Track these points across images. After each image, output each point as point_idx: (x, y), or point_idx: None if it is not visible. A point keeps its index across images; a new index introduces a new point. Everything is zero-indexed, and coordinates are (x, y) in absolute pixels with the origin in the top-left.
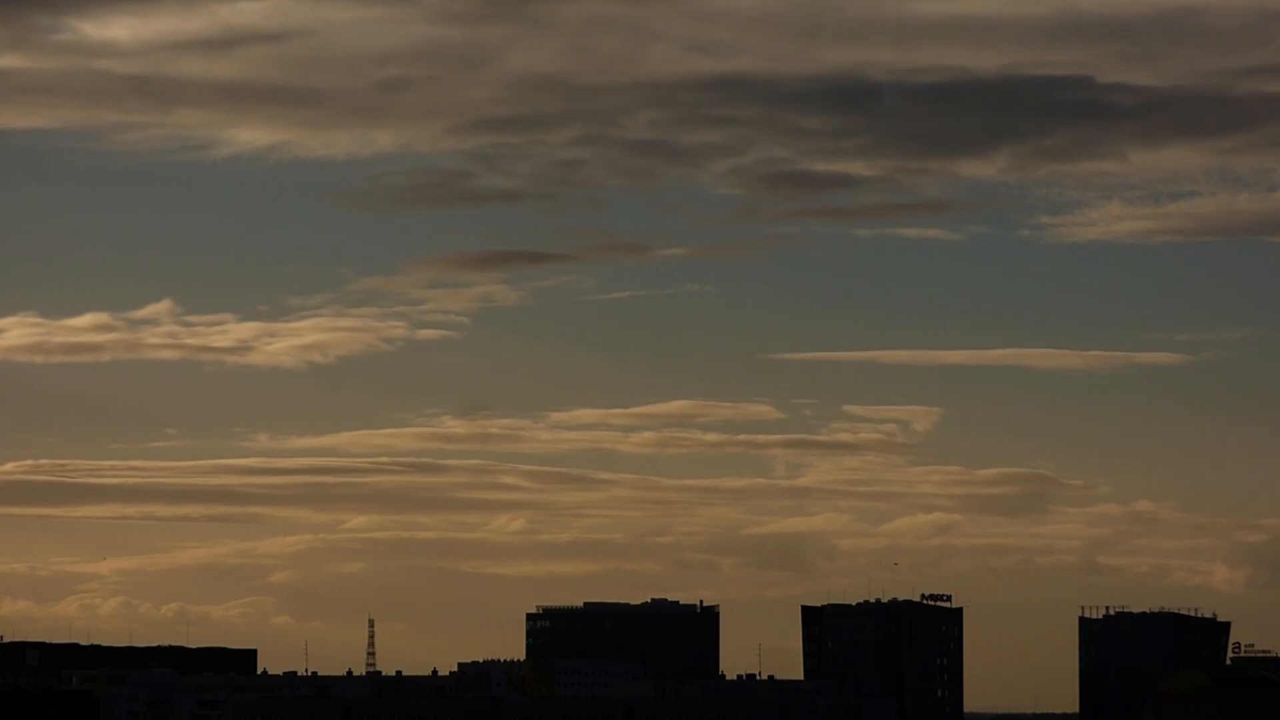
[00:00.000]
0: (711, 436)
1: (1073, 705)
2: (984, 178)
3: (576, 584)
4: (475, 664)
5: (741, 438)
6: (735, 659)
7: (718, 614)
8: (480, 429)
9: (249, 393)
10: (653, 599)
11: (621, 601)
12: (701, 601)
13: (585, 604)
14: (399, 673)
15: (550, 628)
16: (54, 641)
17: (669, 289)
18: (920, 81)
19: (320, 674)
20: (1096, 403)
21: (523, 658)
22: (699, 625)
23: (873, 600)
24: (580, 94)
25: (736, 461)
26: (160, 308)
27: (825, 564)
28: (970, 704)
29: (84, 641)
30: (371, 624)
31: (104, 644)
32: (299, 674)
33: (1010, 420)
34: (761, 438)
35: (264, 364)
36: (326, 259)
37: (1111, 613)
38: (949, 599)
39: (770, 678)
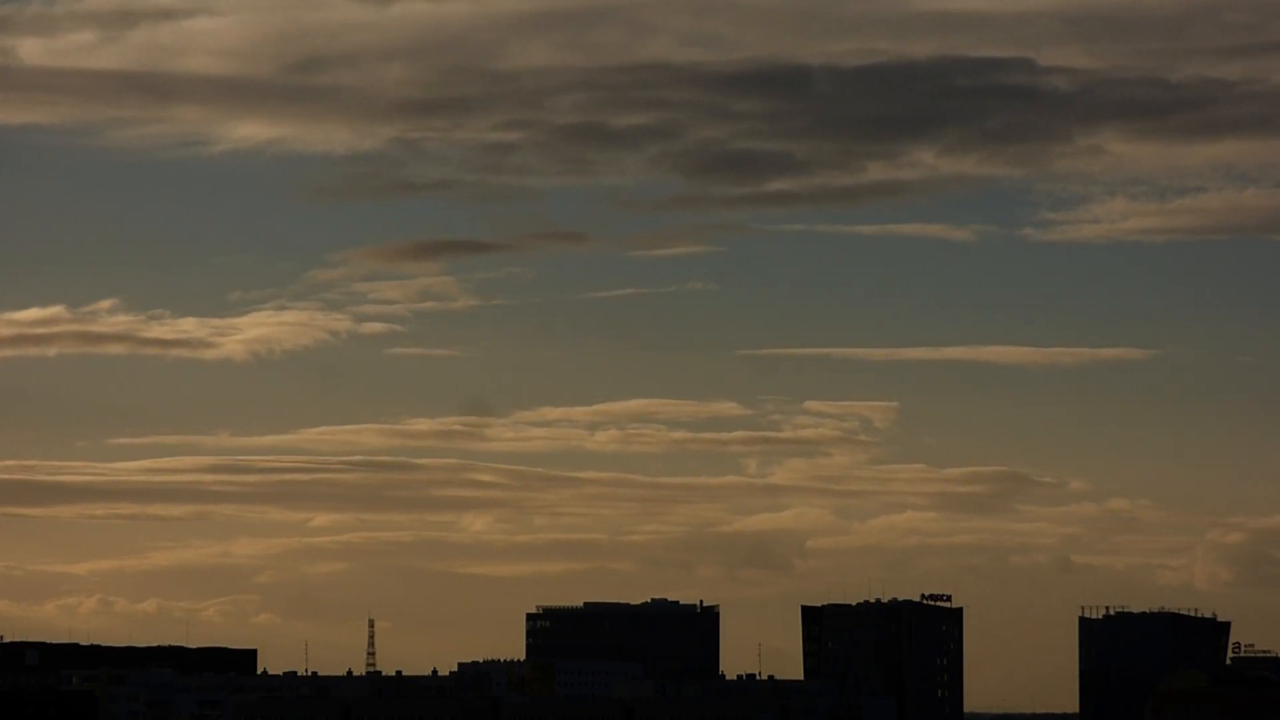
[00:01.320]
0: (679, 435)
1: (1073, 705)
2: (931, 165)
3: (558, 583)
4: (475, 664)
5: (706, 435)
6: (735, 659)
7: (718, 614)
8: (444, 426)
9: (201, 389)
10: (653, 599)
11: (621, 601)
12: (701, 601)
13: (585, 604)
14: (399, 673)
15: (550, 628)
16: (54, 641)
17: (619, 281)
18: (852, 65)
19: (320, 674)
20: (1060, 399)
21: (523, 658)
22: (699, 625)
23: (873, 600)
24: (504, 78)
25: (704, 459)
26: (106, 304)
27: (804, 562)
28: (970, 704)
29: (84, 641)
30: (371, 624)
31: (104, 644)
32: (299, 674)
33: (978, 416)
34: (725, 435)
35: (213, 359)
36: (265, 252)
37: (1111, 613)
38: (949, 599)
39: (770, 678)
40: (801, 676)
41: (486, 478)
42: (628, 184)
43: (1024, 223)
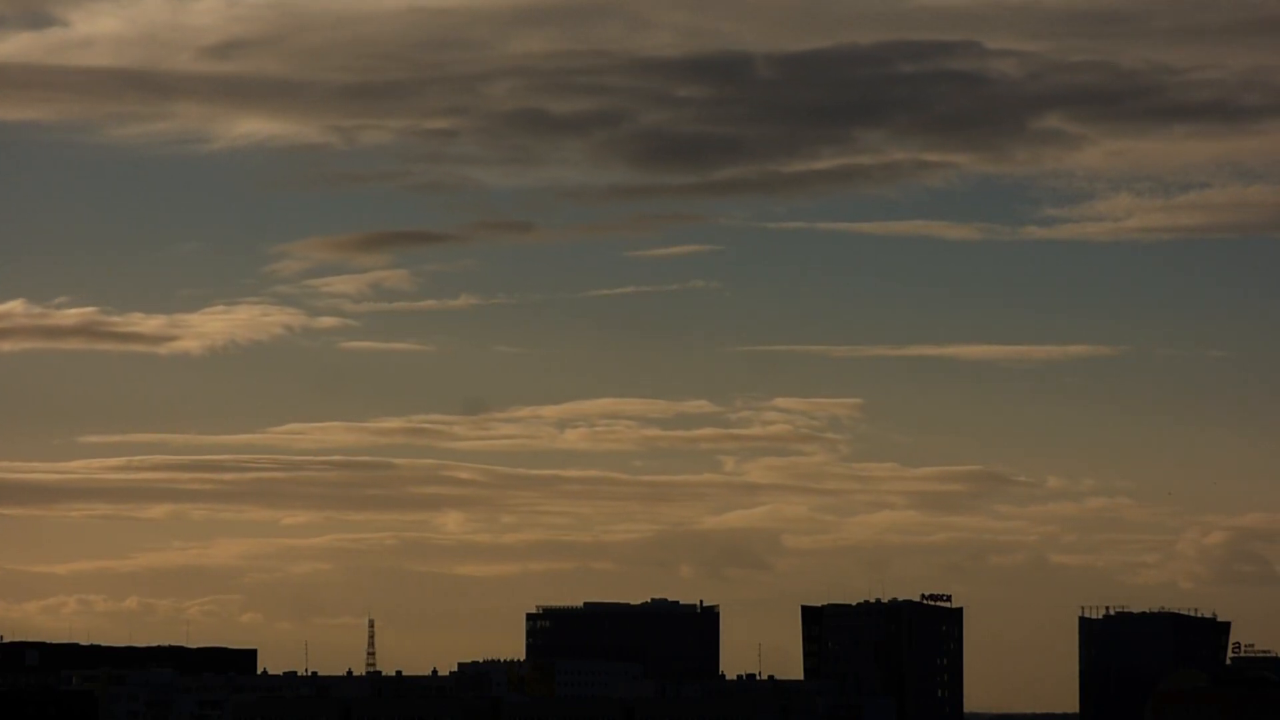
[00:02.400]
0: (650, 432)
1: (1073, 705)
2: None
3: (534, 583)
4: (475, 664)
5: (677, 433)
6: (735, 659)
7: (718, 614)
8: (414, 425)
9: (160, 386)
10: (653, 599)
11: (621, 601)
12: (701, 601)
13: (585, 604)
14: (399, 673)
15: (550, 628)
16: (54, 641)
17: (577, 275)
18: (796, 50)
19: (320, 674)
20: (1029, 396)
21: (523, 658)
22: (699, 625)
23: (873, 600)
24: (439, 65)
25: (676, 457)
26: (60, 299)
27: (785, 561)
28: (970, 704)
29: (84, 641)
30: (371, 624)
31: (104, 644)
32: (299, 674)
33: (956, 415)
34: (696, 432)
35: (168, 355)
36: (215, 245)
37: (1111, 613)
38: (949, 599)
39: (770, 678)
40: (801, 676)
41: (464, 475)
42: (573, 172)
43: (1002, 214)
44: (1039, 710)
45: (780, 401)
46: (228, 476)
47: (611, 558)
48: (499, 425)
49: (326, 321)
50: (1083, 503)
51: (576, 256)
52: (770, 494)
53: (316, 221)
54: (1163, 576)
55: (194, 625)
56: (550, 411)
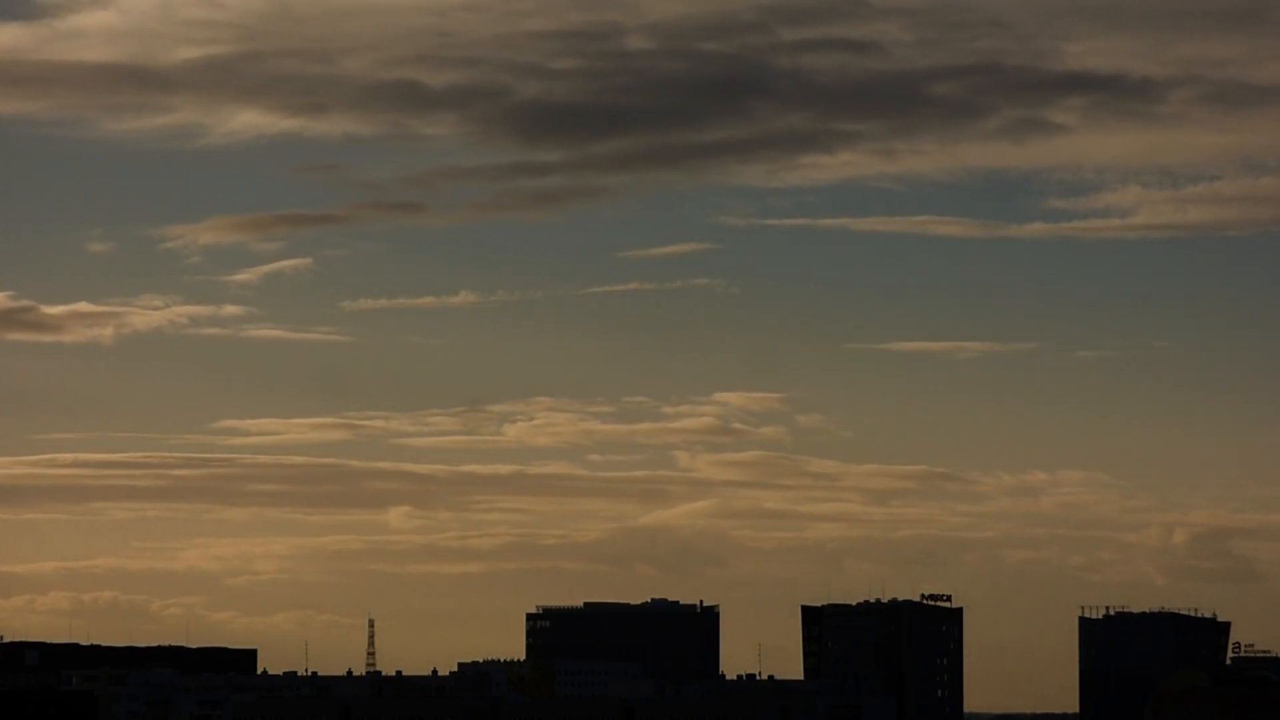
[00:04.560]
0: (588, 425)
1: (1073, 705)
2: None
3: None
4: (475, 664)
5: (618, 427)
6: (735, 659)
7: (718, 614)
8: (348, 422)
9: (72, 378)
10: (653, 599)
11: (621, 601)
12: (701, 601)
13: (585, 604)
14: (399, 673)
15: (550, 628)
16: (54, 641)
17: (480, 260)
18: (675, 19)
19: (320, 674)
20: (972, 391)
21: (523, 658)
22: (699, 625)
23: (873, 600)
24: (303, 38)
25: (618, 453)
26: None
27: (740, 559)
28: (970, 704)
29: (84, 641)
30: (371, 624)
31: (104, 644)
32: (299, 674)
33: (906, 413)
34: (635, 427)
35: (74, 344)
36: (111, 231)
37: (1111, 613)
38: (949, 599)
39: (770, 678)
40: (801, 676)
41: (415, 468)
42: (456, 149)
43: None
44: (1039, 710)
45: (719, 396)
46: (183, 473)
47: (566, 557)
48: (438, 419)
49: (232, 310)
50: (1062, 497)
51: (469, 239)
52: (712, 490)
53: (201, 205)
54: (1123, 575)
55: (163, 625)
56: (491, 408)
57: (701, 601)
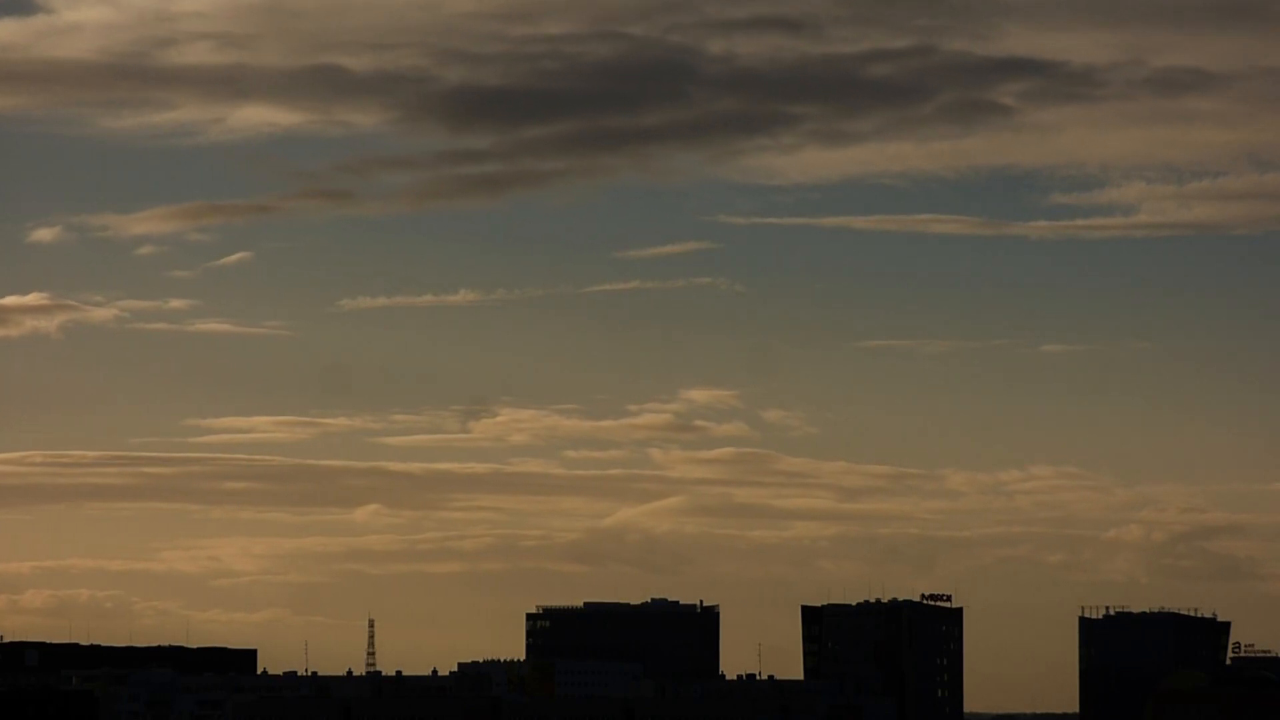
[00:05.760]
0: (549, 422)
1: (1073, 705)
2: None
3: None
4: (475, 664)
5: (601, 423)
6: (735, 659)
7: (718, 614)
8: (310, 420)
9: (20, 372)
10: (653, 599)
11: (621, 601)
12: (701, 601)
13: (585, 604)
14: (399, 673)
15: (550, 628)
16: (54, 641)
17: (416, 247)
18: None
19: (320, 674)
20: (937, 389)
21: (523, 658)
22: (699, 625)
23: (873, 600)
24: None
25: (581, 450)
26: None
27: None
28: (970, 704)
29: (84, 641)
30: (371, 624)
31: (104, 644)
32: (299, 674)
33: (875, 413)
34: (603, 423)
35: (18, 337)
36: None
37: (1111, 613)
38: (949, 599)
39: (770, 678)
40: (801, 676)
41: (391, 465)
42: (384, 134)
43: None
44: (1039, 710)
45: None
46: (152, 470)
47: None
48: (403, 416)
49: (177, 304)
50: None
51: (405, 226)
52: (675, 487)
53: (135, 196)
54: (1092, 577)
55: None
56: (453, 406)
57: (701, 601)
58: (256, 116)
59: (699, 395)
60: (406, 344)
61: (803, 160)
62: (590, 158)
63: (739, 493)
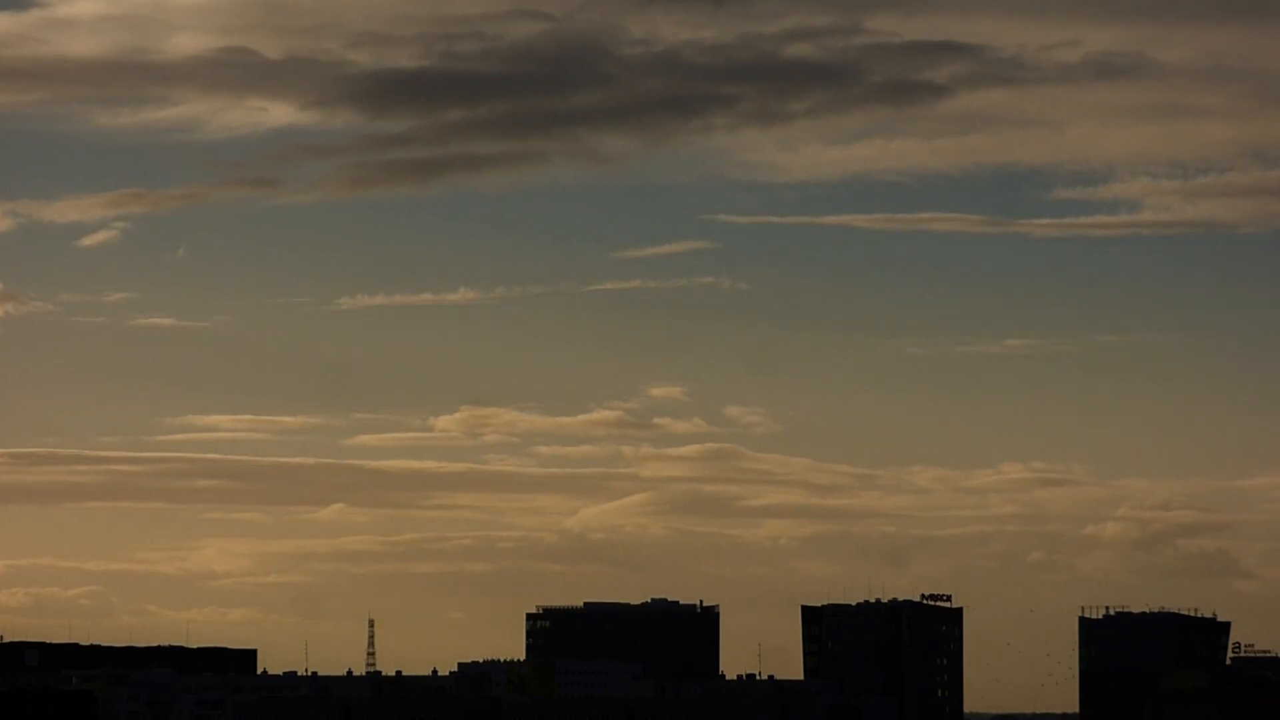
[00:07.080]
0: (512, 419)
1: (1073, 705)
2: None
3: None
4: (475, 664)
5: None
6: (735, 659)
7: (718, 614)
8: (274, 421)
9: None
10: (653, 599)
11: (621, 601)
12: (701, 601)
13: (585, 604)
14: (399, 673)
15: (550, 628)
16: (54, 641)
17: (361, 235)
18: None
19: (320, 674)
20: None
21: (523, 658)
22: (699, 625)
23: (873, 600)
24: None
25: (551, 446)
26: None
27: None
28: (970, 704)
29: (84, 641)
30: (371, 624)
31: (104, 644)
32: (299, 674)
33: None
34: (578, 420)
35: None
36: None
37: (1111, 613)
38: (949, 599)
39: (770, 678)
40: (801, 676)
41: (354, 462)
42: (304, 120)
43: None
44: (1039, 710)
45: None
46: (133, 469)
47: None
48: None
49: (114, 297)
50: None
51: (337, 213)
52: (638, 484)
53: (55, 183)
54: (1065, 577)
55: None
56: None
57: (701, 601)
58: (171, 102)
59: (658, 392)
60: (387, 341)
61: (804, 158)
62: (520, 141)
63: (706, 488)
